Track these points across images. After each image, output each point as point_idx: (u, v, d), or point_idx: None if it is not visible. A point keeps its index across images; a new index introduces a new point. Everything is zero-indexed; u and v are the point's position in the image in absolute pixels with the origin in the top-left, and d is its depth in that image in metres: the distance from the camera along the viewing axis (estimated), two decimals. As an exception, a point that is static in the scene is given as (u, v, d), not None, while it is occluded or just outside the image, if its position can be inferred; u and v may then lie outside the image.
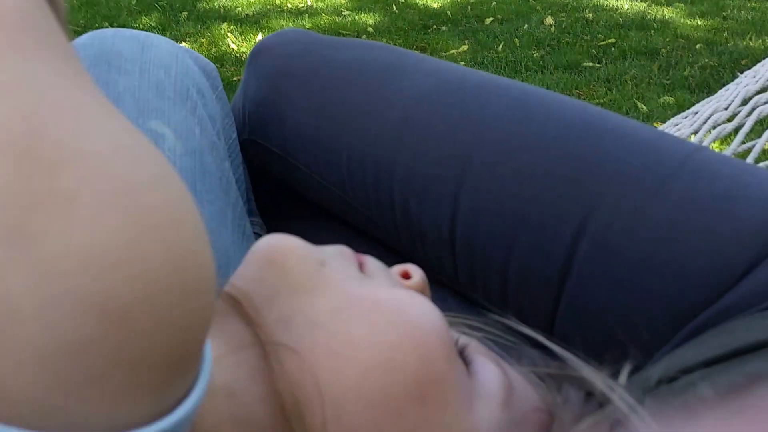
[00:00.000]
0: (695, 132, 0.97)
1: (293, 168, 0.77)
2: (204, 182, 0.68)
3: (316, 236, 0.80)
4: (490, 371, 0.44)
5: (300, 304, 0.42)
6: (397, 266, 0.51)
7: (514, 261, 0.59)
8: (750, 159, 0.91)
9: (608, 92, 2.82)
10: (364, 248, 0.75)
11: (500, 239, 0.59)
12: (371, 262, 0.49)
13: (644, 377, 0.47)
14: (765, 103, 0.92)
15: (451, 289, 0.69)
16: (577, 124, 0.60)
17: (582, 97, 2.70)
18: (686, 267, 0.52)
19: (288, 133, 0.76)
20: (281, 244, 0.45)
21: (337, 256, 0.47)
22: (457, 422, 0.40)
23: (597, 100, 2.72)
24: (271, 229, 0.85)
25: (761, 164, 0.91)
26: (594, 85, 2.88)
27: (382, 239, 0.74)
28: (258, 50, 0.83)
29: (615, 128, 0.60)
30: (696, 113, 1.01)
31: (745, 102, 0.95)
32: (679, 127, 1.01)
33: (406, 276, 0.50)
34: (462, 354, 0.45)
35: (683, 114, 1.01)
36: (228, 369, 0.40)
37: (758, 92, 0.94)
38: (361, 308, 0.42)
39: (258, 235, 0.81)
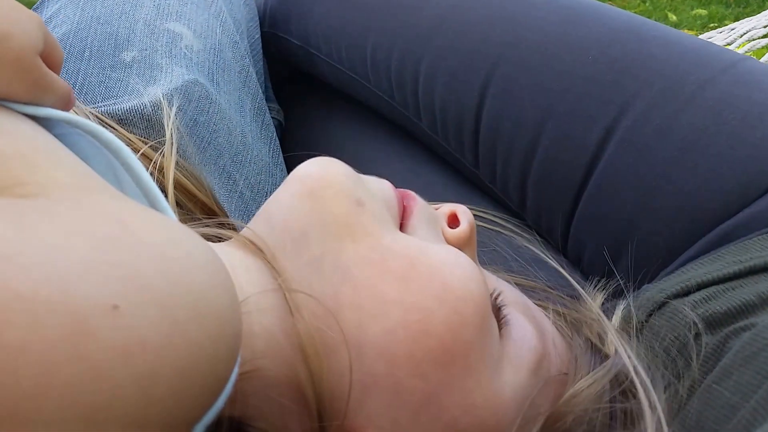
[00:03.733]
0: (728, 45, 0.92)
1: (314, 57, 0.76)
2: (223, 75, 0.65)
3: (334, 124, 0.79)
4: (526, 336, 0.41)
5: (331, 247, 0.38)
6: (446, 207, 0.46)
7: (540, 152, 0.56)
8: None
9: (642, 2, 2.73)
10: (384, 135, 0.76)
11: (526, 130, 0.57)
12: (416, 207, 0.44)
13: (658, 288, 0.46)
14: None
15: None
16: (621, 29, 0.57)
17: (615, 6, 2.58)
18: (712, 174, 0.49)
19: (312, 24, 0.74)
20: (324, 174, 0.41)
21: (379, 198, 0.42)
22: (479, 387, 0.37)
23: (630, 10, 2.61)
24: (286, 112, 0.84)
25: None
26: None
27: (401, 125, 0.72)
28: None
29: (661, 35, 0.56)
30: (732, 29, 0.96)
31: None
32: (712, 40, 0.96)
33: (453, 220, 0.46)
34: (499, 313, 0.42)
35: (719, 29, 0.95)
36: (253, 312, 0.37)
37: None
38: (396, 264, 0.38)
39: (276, 120, 0.81)
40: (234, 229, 0.49)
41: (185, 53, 0.63)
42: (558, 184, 0.56)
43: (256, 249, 0.40)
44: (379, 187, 0.43)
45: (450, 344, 0.36)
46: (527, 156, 0.58)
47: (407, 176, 0.70)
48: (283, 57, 0.82)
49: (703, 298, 0.43)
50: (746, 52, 0.88)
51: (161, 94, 0.56)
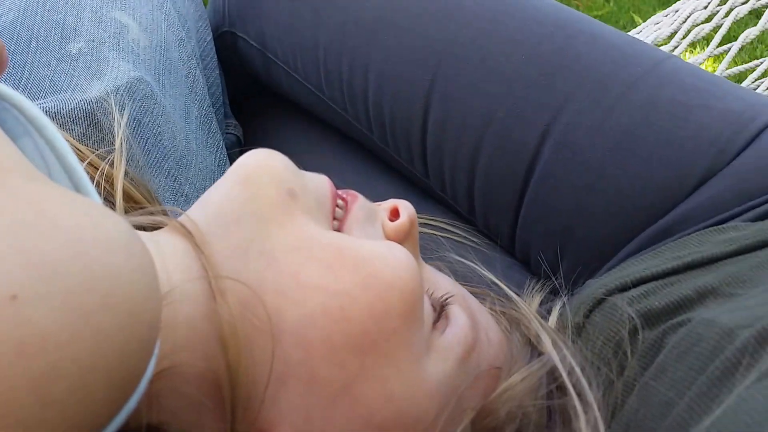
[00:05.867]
0: (674, 32, 0.93)
1: (271, 64, 0.73)
2: (169, 77, 0.63)
3: (291, 137, 0.78)
4: (460, 327, 0.40)
5: (259, 233, 0.37)
6: (388, 202, 0.46)
7: (483, 157, 0.56)
8: (725, 62, 0.89)
9: (606, 4, 2.72)
10: (339, 148, 0.74)
11: (468, 137, 0.57)
12: (355, 204, 0.43)
13: (600, 283, 0.46)
14: (742, 3, 0.89)
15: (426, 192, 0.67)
16: (548, 23, 0.57)
17: (580, 9, 2.59)
18: (644, 172, 0.50)
19: (265, 25, 0.72)
20: (261, 163, 0.41)
21: (313, 192, 0.41)
22: (399, 375, 0.36)
23: (595, 12, 2.62)
24: (245, 128, 0.82)
25: (738, 67, 0.89)
26: None
27: (356, 138, 0.71)
28: None
29: (587, 31, 0.57)
30: (676, 11, 0.98)
31: (723, 1, 0.91)
32: (659, 25, 0.98)
33: (394, 214, 0.45)
34: (443, 310, 0.41)
35: (664, 12, 0.97)
36: (178, 301, 0.35)
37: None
38: (322, 253, 0.37)
39: (234, 136, 0.79)
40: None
41: (132, 48, 0.60)
42: (501, 188, 0.57)
43: (187, 233, 0.38)
44: (316, 183, 0.42)
45: (372, 331, 0.35)
46: (471, 162, 0.58)
47: (363, 190, 0.70)
48: (243, 64, 0.80)
49: (642, 294, 0.42)
50: (692, 41, 0.90)
51: (110, 93, 0.54)
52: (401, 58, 0.60)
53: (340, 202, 0.43)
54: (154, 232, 0.41)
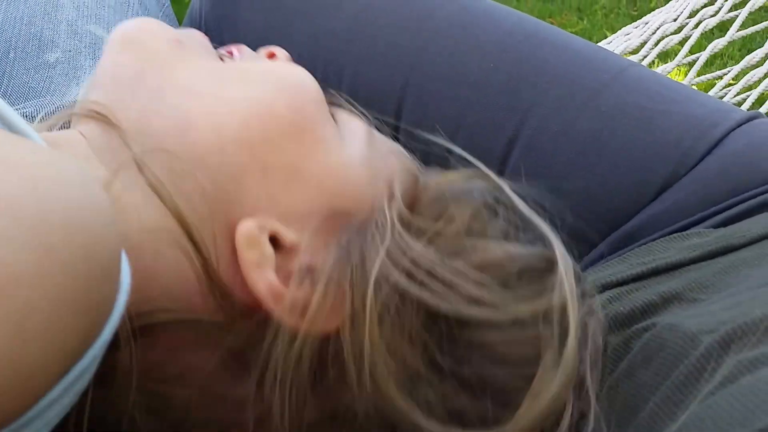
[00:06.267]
0: (644, 42, 0.95)
1: None
2: None
3: None
4: (354, 120, 0.45)
5: (167, 76, 0.40)
6: (263, 48, 0.50)
7: (452, 163, 0.56)
8: (693, 71, 0.90)
9: (579, 21, 2.77)
10: None
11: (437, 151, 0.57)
12: (240, 47, 0.48)
13: None
14: (711, 16, 0.91)
15: None
16: (516, 32, 0.58)
17: (555, 25, 2.63)
18: (609, 176, 0.51)
19: (241, 33, 0.72)
20: (137, 25, 0.43)
21: (196, 40, 0.45)
22: (330, 151, 0.41)
23: (569, 29, 2.64)
24: None
25: (705, 76, 0.91)
26: (566, 14, 2.83)
27: None
28: None
29: (554, 39, 0.58)
30: (646, 23, 1.00)
31: (692, 14, 0.93)
32: (629, 36, 1.00)
33: (271, 56, 0.50)
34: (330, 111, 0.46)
35: (634, 24, 0.99)
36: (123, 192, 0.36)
37: (705, 5, 0.92)
38: (231, 73, 0.42)
39: None
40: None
41: None
42: None
43: (100, 116, 0.40)
44: (194, 33, 0.46)
45: (296, 120, 0.40)
46: (442, 167, 0.57)
47: None
48: None
49: (608, 299, 0.43)
50: (660, 51, 0.92)
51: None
52: (373, 64, 0.61)
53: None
54: (62, 133, 0.42)
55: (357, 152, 0.42)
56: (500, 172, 0.54)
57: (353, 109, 0.49)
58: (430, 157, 0.52)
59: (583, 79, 0.54)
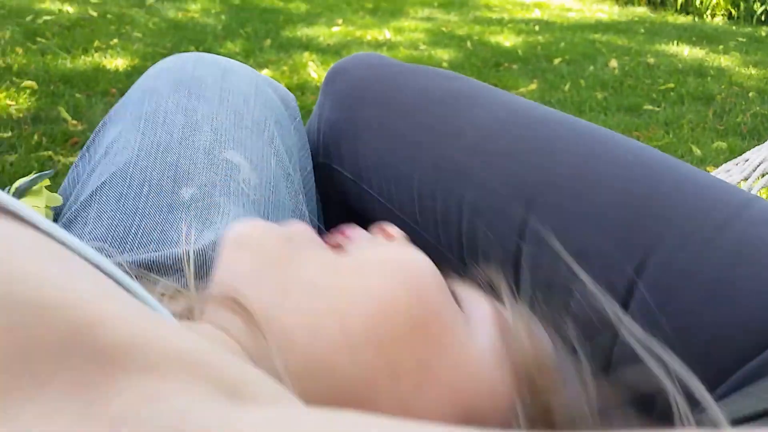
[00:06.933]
0: (745, 179, 0.96)
1: (365, 194, 0.74)
2: (276, 214, 0.63)
3: None
4: (479, 300, 0.44)
5: (285, 277, 0.39)
6: (374, 226, 0.49)
7: (575, 302, 0.56)
8: None
9: (665, 135, 2.78)
10: None
11: (561, 276, 0.57)
12: (355, 232, 0.47)
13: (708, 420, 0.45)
14: None
15: None
16: (637, 165, 0.58)
17: (641, 139, 2.63)
18: (739, 312, 0.50)
19: (361, 158, 0.73)
20: (242, 229, 0.43)
21: (302, 234, 0.44)
22: (460, 345, 0.39)
23: (655, 143, 2.67)
24: None
25: None
26: (653, 128, 2.84)
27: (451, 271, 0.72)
28: (334, 72, 0.79)
29: (674, 171, 0.57)
30: (746, 160, 1.00)
31: None
32: (730, 173, 1.00)
33: (387, 235, 0.49)
34: (453, 294, 0.44)
35: (734, 161, 1.00)
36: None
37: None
38: (350, 265, 0.41)
39: None
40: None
41: (243, 189, 0.60)
42: (591, 326, 0.54)
43: (244, 310, 0.38)
44: (298, 226, 0.45)
45: (423, 314, 0.39)
46: (564, 300, 0.57)
47: None
48: (337, 192, 0.78)
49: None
50: (762, 187, 0.92)
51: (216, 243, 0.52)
52: (495, 192, 0.61)
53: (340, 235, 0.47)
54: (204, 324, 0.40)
55: (487, 343, 0.41)
56: (624, 306, 0.54)
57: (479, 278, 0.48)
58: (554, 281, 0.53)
59: (706, 214, 0.53)
